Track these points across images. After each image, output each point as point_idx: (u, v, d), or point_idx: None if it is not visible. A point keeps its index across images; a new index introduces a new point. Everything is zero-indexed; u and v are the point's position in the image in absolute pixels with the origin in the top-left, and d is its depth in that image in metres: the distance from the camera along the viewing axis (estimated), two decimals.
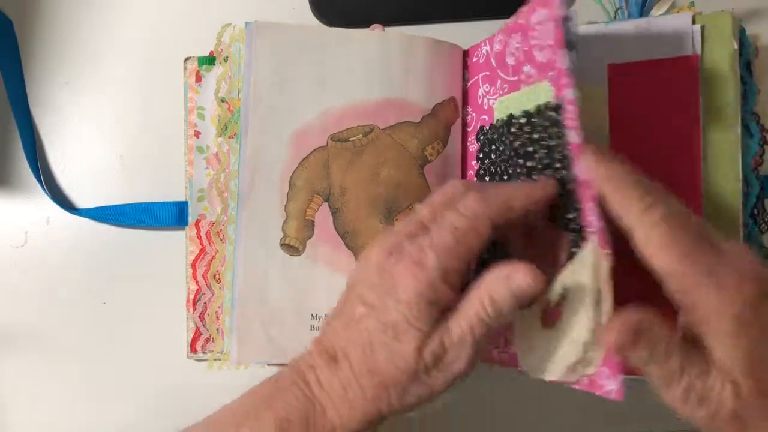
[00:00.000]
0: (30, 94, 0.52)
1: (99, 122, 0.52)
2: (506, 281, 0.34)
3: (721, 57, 0.41)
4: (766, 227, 0.42)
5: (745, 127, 0.42)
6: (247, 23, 0.45)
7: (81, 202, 0.52)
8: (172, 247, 0.49)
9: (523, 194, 0.36)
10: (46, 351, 0.51)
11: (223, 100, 0.47)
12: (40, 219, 0.52)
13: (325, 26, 0.51)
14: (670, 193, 0.33)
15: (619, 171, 0.33)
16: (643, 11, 0.44)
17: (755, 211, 0.42)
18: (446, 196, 0.36)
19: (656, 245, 0.32)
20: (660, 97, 0.41)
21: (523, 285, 0.33)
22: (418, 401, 0.35)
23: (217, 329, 0.47)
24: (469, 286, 0.35)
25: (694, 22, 0.41)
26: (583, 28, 0.43)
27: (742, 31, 0.43)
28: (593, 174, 0.33)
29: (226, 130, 0.47)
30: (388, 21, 0.49)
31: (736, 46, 0.41)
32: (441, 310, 0.34)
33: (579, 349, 0.34)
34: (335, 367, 0.36)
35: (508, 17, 0.51)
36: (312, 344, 0.37)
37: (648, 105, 0.41)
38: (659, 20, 0.42)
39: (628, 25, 0.42)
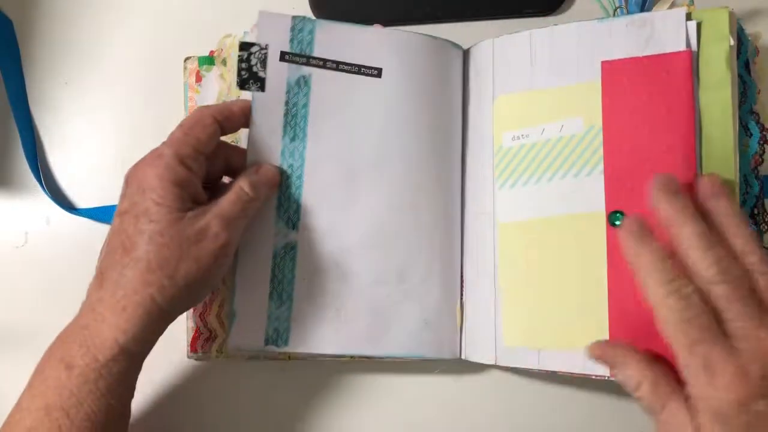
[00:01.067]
0: (30, 94, 0.52)
1: (99, 122, 0.52)
2: (257, 169, 0.42)
3: (717, 54, 0.40)
4: (766, 227, 0.42)
5: (745, 127, 0.42)
6: (245, 33, 0.46)
7: (81, 202, 0.52)
8: None
9: (241, 102, 0.43)
10: None
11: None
12: (40, 219, 0.52)
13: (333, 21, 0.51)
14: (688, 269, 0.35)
15: (645, 258, 0.36)
16: (644, 11, 0.44)
17: (755, 211, 0.42)
18: None
19: (668, 331, 0.35)
20: (654, 94, 0.41)
21: (270, 173, 0.43)
22: (190, 280, 0.38)
23: (220, 323, 0.47)
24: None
25: (688, 18, 0.41)
26: (575, 24, 0.43)
27: (741, 30, 0.43)
28: (626, 257, 0.37)
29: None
30: (388, 21, 0.49)
31: (732, 42, 0.40)
32: (189, 194, 0.39)
33: None
34: (101, 282, 0.38)
35: (508, 17, 0.51)
36: None
37: (642, 102, 0.41)
38: (653, 16, 0.42)
39: (621, 22, 0.42)
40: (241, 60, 0.44)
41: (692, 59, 0.40)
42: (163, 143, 0.40)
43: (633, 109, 0.41)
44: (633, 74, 0.41)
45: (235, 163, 0.44)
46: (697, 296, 0.34)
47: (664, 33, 0.41)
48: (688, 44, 0.41)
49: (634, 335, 0.40)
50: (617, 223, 0.41)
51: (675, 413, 0.34)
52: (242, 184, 0.41)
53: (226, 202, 0.40)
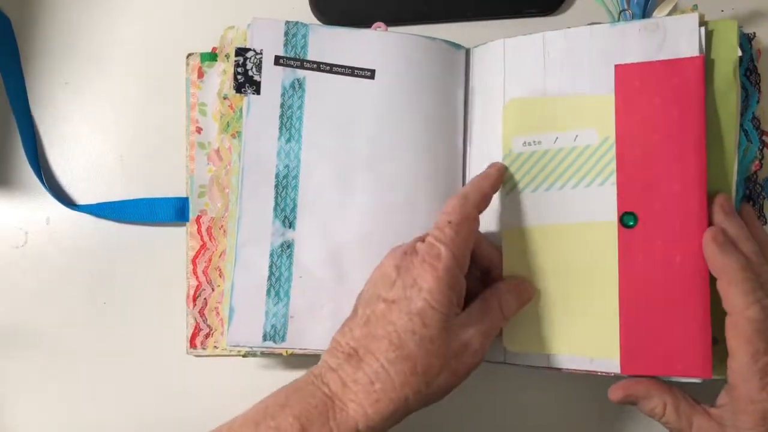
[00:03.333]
0: (30, 95, 0.52)
1: (99, 120, 0.52)
2: (517, 287, 0.42)
3: (726, 64, 0.41)
4: None
5: (745, 132, 0.42)
6: (249, 25, 0.46)
7: (81, 202, 0.52)
8: (173, 245, 0.49)
9: (486, 179, 0.42)
10: (46, 351, 0.51)
11: (225, 98, 0.47)
12: (40, 219, 0.52)
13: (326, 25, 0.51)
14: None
15: (733, 265, 0.38)
16: (645, 12, 0.44)
17: None
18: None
19: (736, 337, 0.37)
20: (666, 98, 0.41)
21: (527, 295, 0.43)
22: (443, 389, 0.39)
23: (219, 321, 0.47)
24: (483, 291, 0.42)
25: (701, 24, 0.41)
26: (588, 28, 0.43)
27: (743, 36, 0.43)
28: (710, 263, 0.39)
29: (228, 127, 0.47)
30: (389, 21, 0.49)
31: (740, 53, 0.41)
32: (458, 296, 0.39)
33: None
34: (358, 362, 0.38)
35: (508, 17, 0.51)
36: (325, 353, 0.40)
37: (654, 106, 0.41)
38: (665, 21, 0.42)
39: (634, 26, 0.42)
40: (237, 65, 0.45)
41: (703, 64, 0.40)
42: (436, 238, 0.39)
43: (645, 114, 0.41)
44: (646, 78, 0.41)
45: (484, 257, 0.44)
46: None
47: (678, 38, 0.41)
48: (701, 50, 0.41)
49: (644, 338, 0.40)
50: (631, 224, 0.41)
51: (703, 426, 0.39)
52: (503, 305, 0.41)
53: (490, 320, 0.40)
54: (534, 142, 0.44)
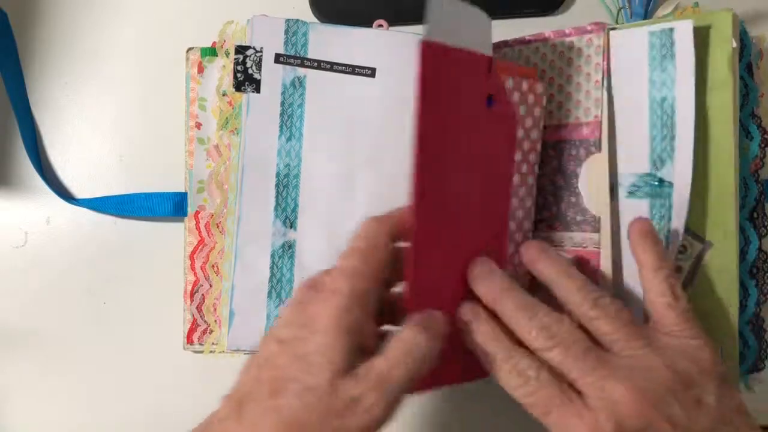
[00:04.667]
0: (31, 95, 0.52)
1: (99, 117, 0.52)
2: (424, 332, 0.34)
3: (720, 56, 0.40)
4: (765, 231, 0.42)
5: (746, 129, 0.42)
6: (248, 21, 0.46)
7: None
8: (172, 243, 0.49)
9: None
10: (46, 351, 0.51)
11: (224, 94, 0.47)
12: (40, 219, 0.52)
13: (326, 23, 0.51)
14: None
15: (480, 337, 0.36)
16: (648, 12, 0.44)
17: (754, 215, 0.42)
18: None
19: (524, 407, 0.35)
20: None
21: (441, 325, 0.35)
22: None
23: (215, 320, 0.47)
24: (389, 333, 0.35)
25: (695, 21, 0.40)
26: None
27: (744, 32, 0.42)
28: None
29: (227, 124, 0.47)
30: (389, 20, 0.49)
31: (734, 45, 0.40)
32: (358, 342, 0.33)
33: None
34: (240, 413, 0.32)
35: (508, 17, 0.51)
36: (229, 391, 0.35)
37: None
38: None
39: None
40: (236, 62, 0.45)
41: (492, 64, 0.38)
42: (340, 270, 0.34)
43: None
44: None
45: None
46: (536, 368, 0.34)
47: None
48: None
49: None
50: None
51: None
52: (414, 333, 0.34)
53: (389, 366, 0.33)
54: None
